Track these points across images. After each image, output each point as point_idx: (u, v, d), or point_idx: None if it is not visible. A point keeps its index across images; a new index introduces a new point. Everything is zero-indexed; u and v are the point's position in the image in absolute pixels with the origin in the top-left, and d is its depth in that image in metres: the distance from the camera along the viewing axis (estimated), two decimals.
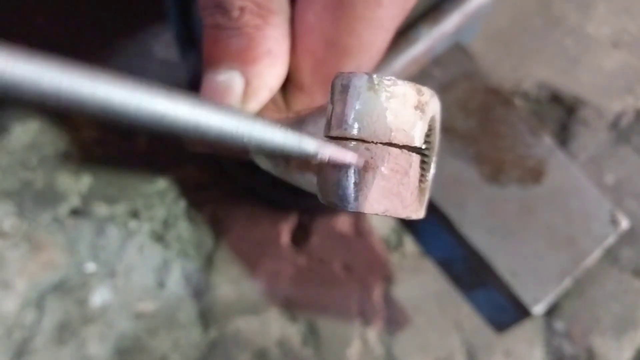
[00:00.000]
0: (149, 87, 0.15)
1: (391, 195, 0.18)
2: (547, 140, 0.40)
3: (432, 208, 0.39)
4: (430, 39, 0.37)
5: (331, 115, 0.19)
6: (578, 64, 0.44)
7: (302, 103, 0.27)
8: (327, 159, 0.18)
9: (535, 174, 0.39)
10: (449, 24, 0.37)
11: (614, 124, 0.43)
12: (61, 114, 0.40)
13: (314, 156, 0.18)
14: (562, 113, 0.43)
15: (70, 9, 0.42)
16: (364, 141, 0.18)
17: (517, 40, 0.45)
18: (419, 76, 0.39)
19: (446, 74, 0.40)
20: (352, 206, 0.18)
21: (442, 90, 0.40)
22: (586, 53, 0.45)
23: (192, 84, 0.40)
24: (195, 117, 0.15)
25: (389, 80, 0.18)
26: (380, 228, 0.40)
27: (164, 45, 0.42)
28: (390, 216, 0.19)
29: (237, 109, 0.17)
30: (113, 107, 0.14)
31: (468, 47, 0.41)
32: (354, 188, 0.18)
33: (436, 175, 0.38)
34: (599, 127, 0.43)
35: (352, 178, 0.18)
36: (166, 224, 0.39)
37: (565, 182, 0.39)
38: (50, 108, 0.14)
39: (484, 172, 0.39)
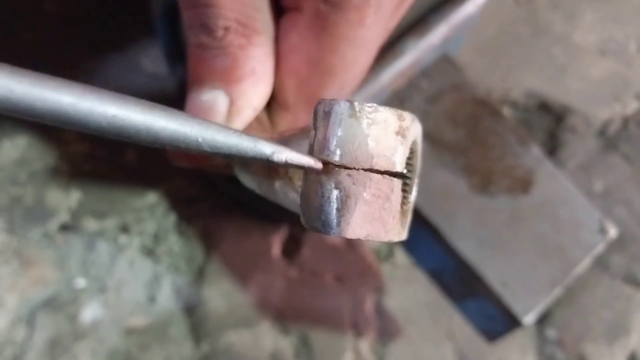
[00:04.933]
0: (99, 92, 0.16)
1: (373, 220, 0.18)
2: (536, 150, 0.40)
3: (422, 219, 0.39)
4: (417, 51, 0.37)
5: (314, 141, 0.19)
6: (566, 73, 0.45)
7: (286, 122, 0.27)
8: (284, 161, 0.18)
9: (524, 184, 0.39)
10: (436, 35, 0.37)
11: (602, 132, 0.43)
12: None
13: (270, 159, 0.18)
14: (550, 121, 0.43)
15: (59, 24, 0.42)
16: (345, 167, 0.18)
17: (505, 50, 0.45)
18: (407, 88, 0.40)
19: (434, 86, 0.40)
20: (334, 231, 0.18)
21: (430, 102, 0.40)
22: (573, 61, 0.45)
23: (180, 97, 0.40)
24: (146, 121, 0.16)
25: (370, 107, 0.18)
26: None
27: (152, 59, 0.42)
28: (372, 240, 0.19)
29: (190, 115, 0.17)
30: (64, 111, 0.15)
31: (455, 58, 0.41)
32: (336, 214, 0.18)
33: (425, 187, 0.38)
34: (587, 134, 0.43)
35: (334, 204, 0.18)
36: (156, 238, 0.39)
37: (554, 192, 0.39)
38: (3, 113, 0.14)
39: (473, 183, 0.39)
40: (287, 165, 0.18)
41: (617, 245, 0.41)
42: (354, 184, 0.18)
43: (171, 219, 0.40)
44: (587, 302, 0.40)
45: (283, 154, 0.18)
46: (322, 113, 0.19)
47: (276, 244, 0.40)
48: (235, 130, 0.18)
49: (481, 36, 0.45)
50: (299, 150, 0.20)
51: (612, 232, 0.39)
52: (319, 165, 0.19)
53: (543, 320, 0.39)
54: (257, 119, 0.27)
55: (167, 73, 0.41)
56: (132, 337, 0.38)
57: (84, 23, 0.42)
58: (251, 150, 0.18)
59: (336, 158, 0.18)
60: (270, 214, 0.40)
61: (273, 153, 0.18)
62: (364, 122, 0.18)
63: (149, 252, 0.39)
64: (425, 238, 0.40)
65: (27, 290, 0.38)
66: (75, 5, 0.42)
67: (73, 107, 0.15)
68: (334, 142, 0.18)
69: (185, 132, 0.17)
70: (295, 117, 0.27)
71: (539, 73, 0.44)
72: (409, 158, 0.20)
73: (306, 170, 0.19)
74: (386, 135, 0.18)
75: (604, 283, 0.40)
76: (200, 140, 0.17)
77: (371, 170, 0.18)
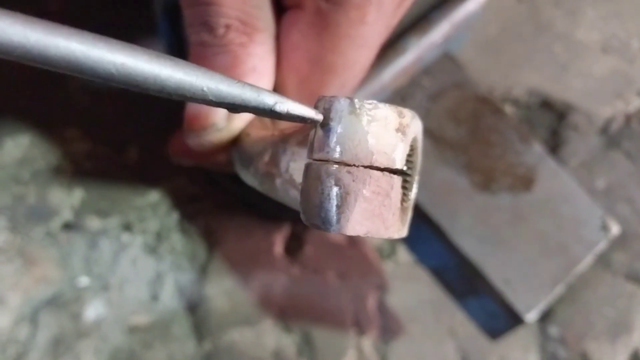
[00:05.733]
0: (109, 41, 0.16)
1: (373, 217, 0.19)
2: (537, 148, 0.40)
3: (424, 217, 0.39)
4: (419, 49, 0.37)
5: (314, 138, 0.19)
6: (568, 70, 0.44)
7: None
8: (285, 112, 0.18)
9: (525, 182, 0.39)
10: (438, 33, 0.37)
11: (604, 129, 0.43)
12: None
13: (272, 109, 0.18)
14: (552, 119, 0.43)
15: (60, 20, 0.42)
16: (345, 164, 0.18)
17: (507, 47, 0.45)
18: (409, 86, 0.40)
19: (436, 84, 0.40)
20: (334, 228, 0.18)
21: (432, 100, 0.40)
22: (576, 59, 0.45)
23: None
24: (153, 69, 0.16)
25: (370, 104, 0.18)
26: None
27: None
28: (372, 237, 0.19)
29: (195, 65, 0.18)
30: (75, 58, 0.15)
31: (457, 56, 0.41)
32: (336, 210, 0.18)
33: (427, 184, 0.38)
34: (589, 132, 0.43)
35: (334, 200, 0.18)
36: (159, 236, 0.39)
37: (555, 189, 0.39)
38: (18, 59, 0.15)
39: (475, 181, 0.39)
40: (289, 117, 0.18)
41: (620, 242, 0.41)
42: (353, 180, 0.18)
43: (174, 217, 0.40)
44: (589, 299, 0.40)
45: (285, 105, 0.18)
46: (322, 110, 0.19)
47: (278, 242, 0.40)
48: (239, 81, 0.18)
49: (483, 34, 0.45)
50: (300, 146, 0.21)
51: (615, 229, 0.39)
52: (319, 116, 0.19)
53: (545, 317, 0.39)
54: (259, 117, 0.27)
55: None
56: (135, 336, 0.38)
57: (86, 22, 0.42)
58: (254, 100, 0.18)
59: (336, 155, 0.18)
60: (272, 211, 0.40)
61: (275, 103, 0.18)
62: (364, 119, 0.18)
63: (152, 251, 0.39)
64: (427, 236, 0.40)
65: (30, 288, 0.38)
66: (78, 4, 0.42)
67: (83, 54, 0.16)
68: (334, 139, 0.18)
69: (190, 81, 0.17)
70: None
71: (541, 71, 0.44)
72: (409, 155, 0.20)
73: (307, 164, 0.19)
74: (386, 132, 0.18)
75: (607, 280, 0.40)
76: (205, 89, 0.17)
77: (371, 167, 0.18)
